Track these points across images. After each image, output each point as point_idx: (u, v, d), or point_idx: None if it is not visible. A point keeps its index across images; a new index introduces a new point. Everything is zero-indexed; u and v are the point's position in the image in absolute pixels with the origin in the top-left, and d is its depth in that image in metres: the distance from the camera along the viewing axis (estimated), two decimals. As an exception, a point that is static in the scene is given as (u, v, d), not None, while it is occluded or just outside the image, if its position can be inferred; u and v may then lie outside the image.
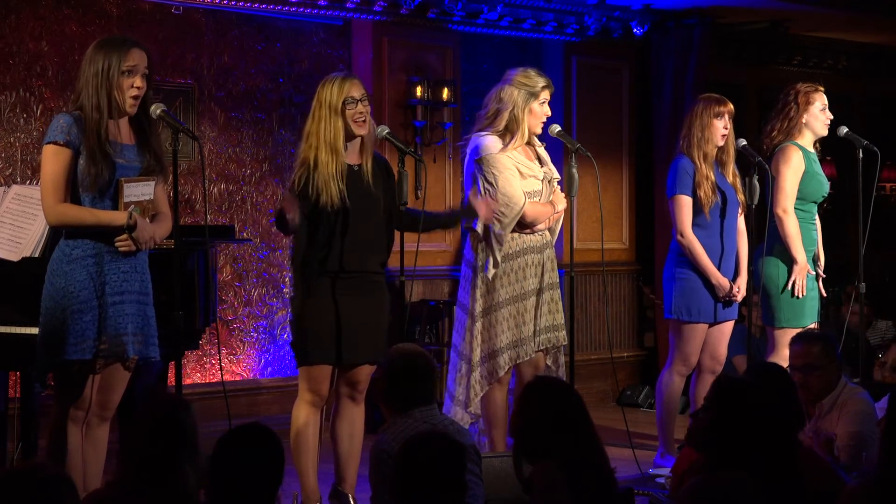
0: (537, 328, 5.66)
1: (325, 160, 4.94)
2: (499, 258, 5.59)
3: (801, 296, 6.14)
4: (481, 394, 5.65)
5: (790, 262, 6.16)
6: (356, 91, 5.01)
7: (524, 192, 5.59)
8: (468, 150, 5.70)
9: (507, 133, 5.61)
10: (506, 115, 5.60)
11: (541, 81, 5.63)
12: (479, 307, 5.64)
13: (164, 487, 3.21)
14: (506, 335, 5.61)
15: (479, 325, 5.64)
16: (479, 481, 4.02)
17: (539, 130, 5.69)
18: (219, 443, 3.24)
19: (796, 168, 6.18)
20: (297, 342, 5.10)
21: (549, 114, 5.70)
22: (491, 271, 5.59)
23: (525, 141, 5.65)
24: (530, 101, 5.59)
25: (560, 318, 5.76)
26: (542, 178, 5.69)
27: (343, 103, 4.98)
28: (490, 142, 5.61)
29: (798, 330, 6.23)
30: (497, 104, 5.63)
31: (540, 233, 5.69)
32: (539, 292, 5.68)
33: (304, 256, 4.99)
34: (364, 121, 5.03)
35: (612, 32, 8.74)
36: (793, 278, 6.14)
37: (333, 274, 5.00)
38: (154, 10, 7.24)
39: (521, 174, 5.60)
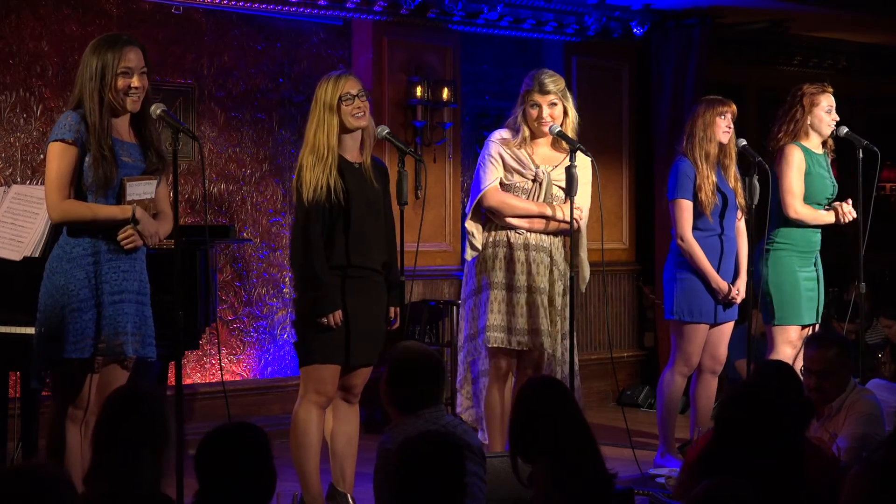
0: (511, 326, 5.67)
1: (321, 155, 4.99)
2: (476, 243, 5.73)
3: (847, 218, 6.20)
4: (464, 373, 5.79)
5: (791, 262, 6.19)
6: (352, 87, 5.04)
7: (504, 185, 5.69)
8: None
9: (517, 130, 5.76)
10: (514, 116, 5.80)
11: (532, 83, 5.72)
12: (464, 293, 5.85)
13: (122, 481, 3.20)
14: (480, 320, 5.69)
15: (466, 306, 5.81)
16: (482, 483, 4.00)
17: (541, 129, 5.72)
18: (202, 442, 3.23)
19: (798, 167, 6.19)
20: (304, 341, 5.09)
21: (545, 116, 5.68)
22: (469, 253, 5.77)
23: (526, 139, 5.72)
24: (523, 104, 5.74)
25: (538, 324, 5.69)
26: (533, 177, 5.71)
27: (339, 100, 5.01)
28: (497, 131, 5.83)
29: (794, 328, 6.25)
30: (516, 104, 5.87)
31: (529, 232, 5.70)
32: (514, 290, 5.68)
33: (309, 253, 5.00)
34: (362, 114, 5.05)
35: (612, 32, 8.74)
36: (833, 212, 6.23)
37: (340, 270, 5.02)
38: (154, 10, 7.24)
39: (504, 166, 5.69)
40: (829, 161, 6.38)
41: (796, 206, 6.17)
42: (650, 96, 8.99)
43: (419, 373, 4.13)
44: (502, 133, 5.77)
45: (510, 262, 5.68)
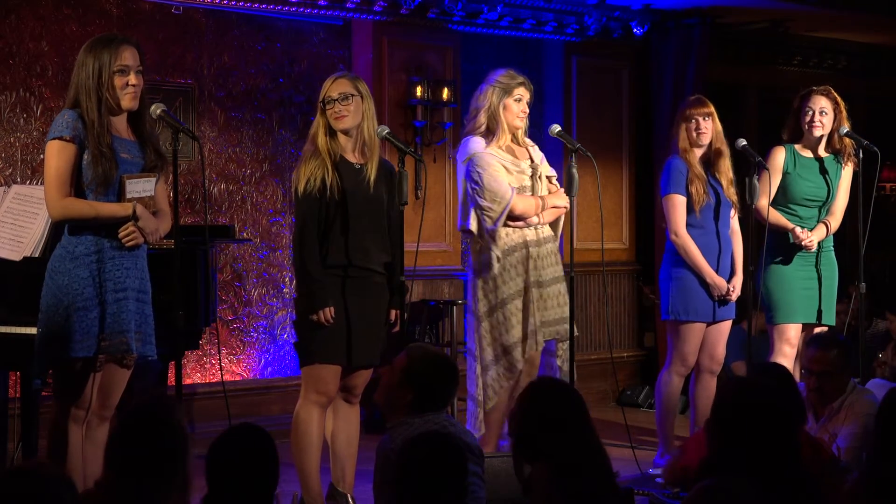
0: (544, 320, 5.68)
1: (316, 151, 5.08)
2: (498, 253, 5.65)
3: (805, 243, 6.15)
4: (500, 392, 5.68)
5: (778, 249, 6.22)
6: (333, 90, 5.12)
7: (512, 187, 5.66)
8: (458, 157, 5.82)
9: (490, 132, 5.74)
10: (483, 114, 5.75)
11: (517, 79, 5.76)
12: (482, 308, 5.70)
13: (150, 487, 3.19)
14: (516, 329, 5.64)
15: (485, 325, 5.69)
16: (481, 483, 4.01)
17: (519, 125, 5.76)
18: (213, 444, 3.23)
19: (774, 168, 6.24)
20: (304, 341, 5.10)
21: (526, 111, 5.77)
22: (496, 266, 5.65)
23: (507, 137, 5.74)
24: (504, 98, 5.72)
25: (565, 312, 5.76)
26: (529, 173, 5.74)
27: (323, 102, 5.12)
28: (474, 142, 5.75)
29: (792, 326, 6.25)
30: (476, 104, 5.80)
31: (535, 227, 5.72)
32: (540, 285, 5.69)
33: (302, 252, 5.01)
34: (339, 116, 5.09)
35: (612, 32, 8.74)
36: (794, 228, 6.18)
37: (341, 270, 5.03)
38: (154, 10, 7.25)
39: (506, 170, 5.69)
40: (850, 164, 6.31)
41: (757, 202, 6.16)
42: (650, 96, 8.99)
43: (439, 374, 4.12)
44: (479, 142, 5.72)
45: (537, 259, 5.69)
